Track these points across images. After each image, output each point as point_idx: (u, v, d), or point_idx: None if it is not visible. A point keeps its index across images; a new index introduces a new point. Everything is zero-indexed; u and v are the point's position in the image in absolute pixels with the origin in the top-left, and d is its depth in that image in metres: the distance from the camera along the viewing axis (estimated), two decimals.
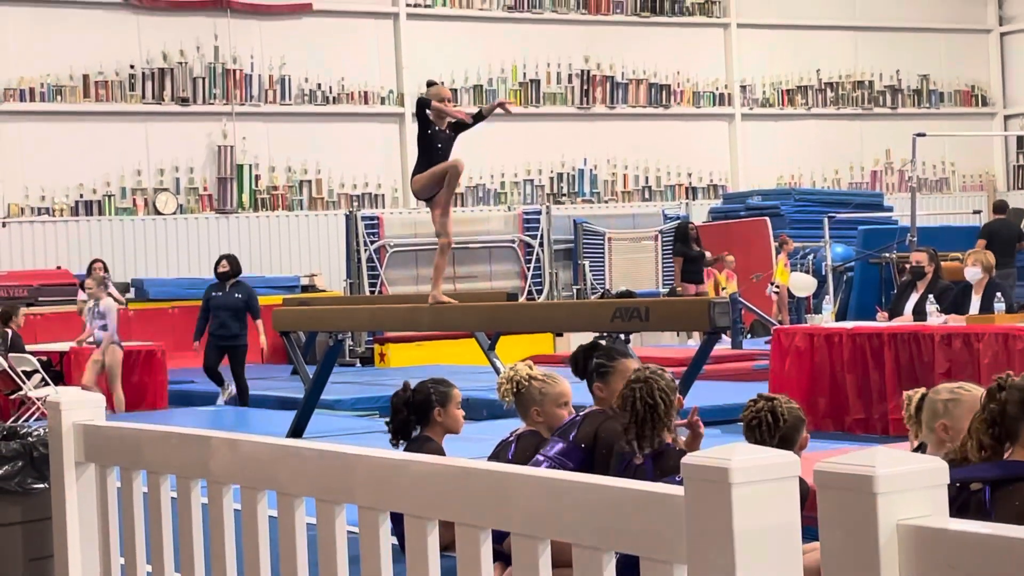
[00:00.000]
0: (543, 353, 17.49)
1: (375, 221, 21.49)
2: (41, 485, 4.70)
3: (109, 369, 14.30)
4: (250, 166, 22.85)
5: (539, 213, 22.79)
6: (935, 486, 2.32)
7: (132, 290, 20.51)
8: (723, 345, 15.03)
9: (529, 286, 22.19)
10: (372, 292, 20.66)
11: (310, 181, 23.37)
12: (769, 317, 18.26)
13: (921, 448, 4.36)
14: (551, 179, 25.19)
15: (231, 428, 12.18)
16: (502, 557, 4.04)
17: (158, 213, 22.17)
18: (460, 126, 9.59)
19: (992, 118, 29.39)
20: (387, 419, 6.16)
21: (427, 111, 9.46)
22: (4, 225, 21.11)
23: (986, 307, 10.79)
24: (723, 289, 19.65)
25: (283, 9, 23.13)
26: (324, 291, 21.18)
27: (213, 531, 3.80)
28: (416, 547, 3.13)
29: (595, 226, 23.04)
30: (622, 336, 8.48)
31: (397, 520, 3.25)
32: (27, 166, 21.36)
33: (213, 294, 14.78)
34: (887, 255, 16.61)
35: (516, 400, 5.87)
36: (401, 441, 5.92)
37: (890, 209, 23.47)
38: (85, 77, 21.84)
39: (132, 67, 22.19)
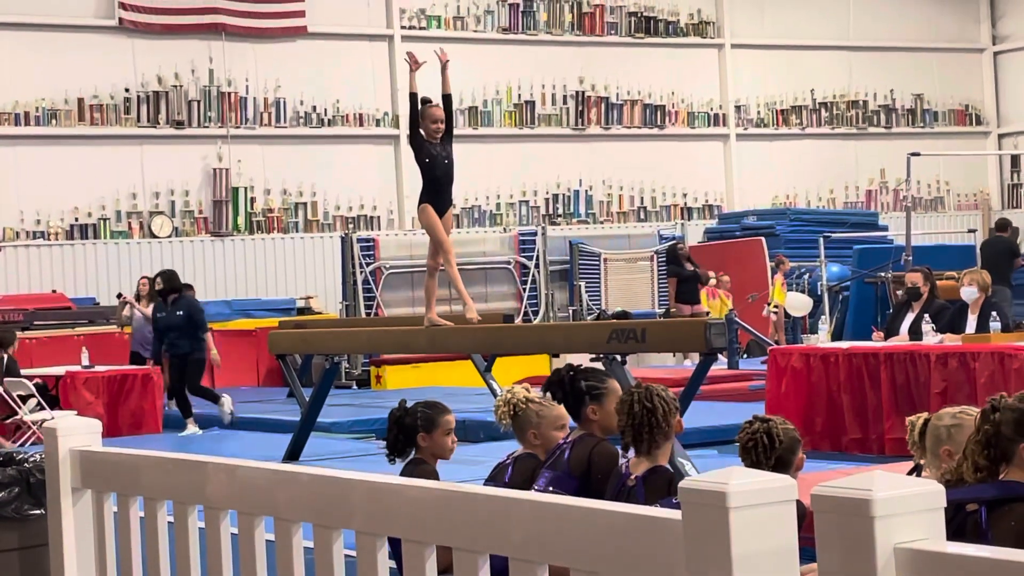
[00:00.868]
0: (540, 375, 17.45)
1: (371, 243, 21.48)
2: (38, 511, 4.69)
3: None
4: (245, 189, 22.87)
5: (535, 234, 22.80)
6: (932, 509, 2.32)
7: None
8: (719, 365, 15.02)
9: (525, 307, 22.19)
10: (368, 314, 20.65)
11: (305, 203, 23.40)
12: (765, 337, 18.27)
13: (916, 470, 4.36)
14: (546, 200, 25.22)
15: (226, 452, 12.15)
16: None
17: (153, 236, 22.18)
18: (447, 135, 9.68)
19: (986, 137, 29.47)
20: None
21: (419, 130, 9.54)
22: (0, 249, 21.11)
23: (982, 326, 10.79)
24: (730, 309, 19.73)
25: (278, 32, 23.17)
26: (320, 313, 21.17)
27: (210, 557, 3.79)
28: (414, 571, 3.13)
29: (591, 247, 23.05)
30: (618, 357, 8.48)
31: (395, 544, 3.25)
32: (22, 190, 21.37)
33: (158, 315, 14.52)
34: (883, 274, 16.63)
35: (513, 423, 5.85)
36: (397, 458, 5.89)
37: (885, 228, 23.51)
38: (80, 101, 21.87)
39: (127, 90, 22.23)
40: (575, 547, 2.74)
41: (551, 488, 5.30)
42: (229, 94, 22.84)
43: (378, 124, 23.99)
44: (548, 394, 5.73)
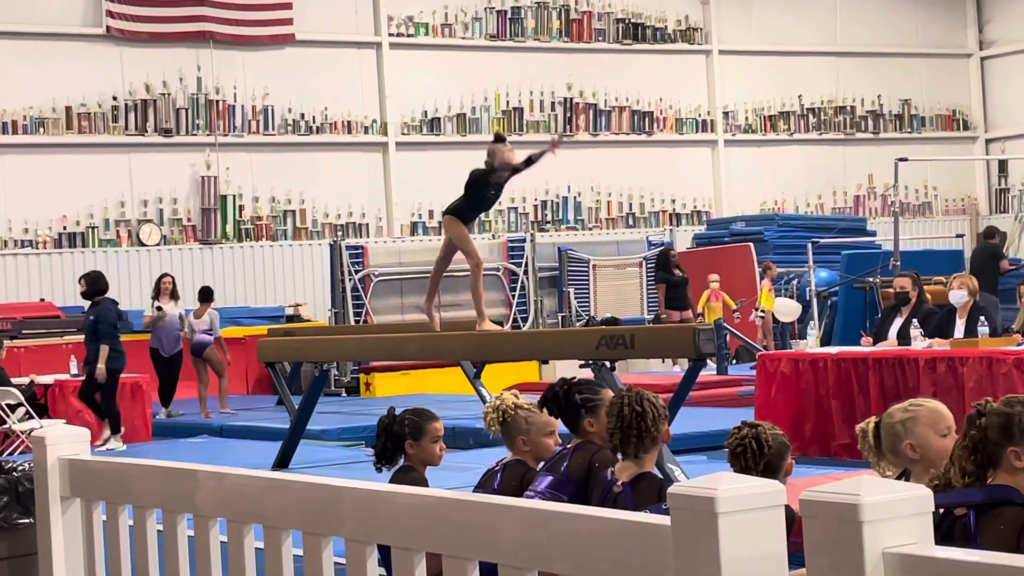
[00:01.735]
0: (529, 381, 17.48)
1: (359, 250, 21.50)
2: (26, 520, 4.68)
3: (219, 366, 16.45)
4: (234, 196, 22.85)
5: (523, 241, 22.83)
6: (920, 514, 2.33)
7: None
8: (708, 371, 15.03)
9: (514, 314, 22.20)
10: (357, 321, 20.65)
11: (294, 211, 23.38)
12: (754, 343, 18.29)
13: (905, 475, 4.37)
14: (535, 207, 25.23)
15: (216, 459, 12.14)
16: None
17: (142, 244, 22.15)
18: (514, 171, 10.00)
19: (974, 142, 29.54)
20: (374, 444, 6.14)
21: (494, 163, 9.82)
22: None
23: (970, 331, 10.81)
24: (734, 310, 19.82)
25: (266, 40, 23.17)
26: (309, 321, 21.15)
27: (199, 565, 3.79)
28: None
29: (579, 253, 23.08)
30: (607, 363, 8.49)
31: (384, 552, 3.25)
32: (10, 198, 21.34)
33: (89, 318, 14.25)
34: (871, 280, 16.65)
35: (502, 429, 5.85)
36: (385, 465, 5.88)
37: (873, 233, 23.54)
38: (68, 109, 21.84)
39: (115, 99, 22.21)
40: (564, 553, 2.74)
41: (550, 491, 5.30)
42: (217, 102, 22.83)
43: (366, 131, 23.98)
44: (544, 410, 5.73)
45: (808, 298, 18.70)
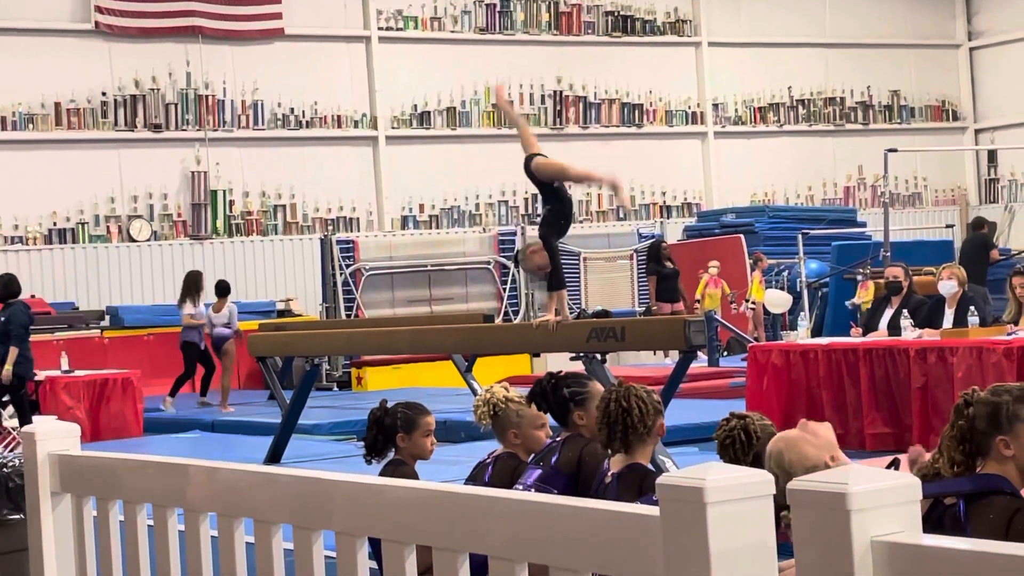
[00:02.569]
0: (520, 374, 17.47)
1: (350, 245, 21.48)
2: (17, 516, 4.68)
3: (230, 361, 16.62)
4: (224, 191, 22.83)
5: (514, 234, 22.82)
6: (908, 502, 2.34)
7: (107, 317, 20.44)
8: (700, 363, 15.05)
9: (505, 307, 22.20)
10: (348, 316, 20.64)
11: (284, 206, 23.36)
12: (745, 334, 18.30)
13: (894, 464, 4.38)
14: (525, 200, 25.22)
15: (208, 454, 12.13)
16: None
17: (132, 240, 22.12)
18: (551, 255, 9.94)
19: (963, 132, 29.57)
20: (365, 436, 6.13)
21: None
22: None
23: (960, 321, 10.83)
24: (729, 298, 19.85)
25: (255, 34, 23.13)
26: (300, 315, 21.15)
27: (190, 560, 3.79)
28: (394, 572, 3.13)
29: (570, 246, 23.06)
30: (598, 356, 8.49)
31: (375, 545, 3.25)
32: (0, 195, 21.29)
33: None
34: (861, 270, 16.67)
35: (493, 422, 5.85)
36: (375, 458, 5.87)
37: (863, 224, 23.57)
38: (57, 105, 21.80)
39: (104, 94, 22.16)
40: (554, 545, 2.75)
41: (540, 484, 5.31)
42: (207, 97, 22.79)
43: (356, 125, 23.96)
44: (533, 405, 5.72)
45: (799, 289, 18.73)
